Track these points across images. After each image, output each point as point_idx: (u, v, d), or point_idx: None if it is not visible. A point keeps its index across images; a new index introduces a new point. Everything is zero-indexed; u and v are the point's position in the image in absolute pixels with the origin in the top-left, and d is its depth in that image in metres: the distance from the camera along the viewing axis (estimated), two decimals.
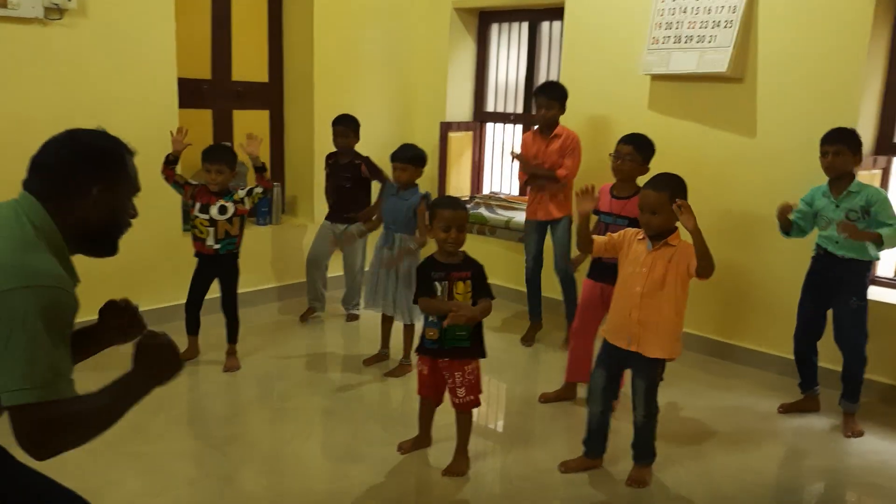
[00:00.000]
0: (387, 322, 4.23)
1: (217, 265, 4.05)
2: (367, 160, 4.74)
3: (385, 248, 4.09)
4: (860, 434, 3.60)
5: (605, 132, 4.80)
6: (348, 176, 4.75)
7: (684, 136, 4.53)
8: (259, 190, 4.03)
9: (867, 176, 4.02)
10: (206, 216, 3.94)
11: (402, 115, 5.96)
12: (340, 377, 4.12)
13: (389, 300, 4.09)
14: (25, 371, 1.38)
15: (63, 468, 2.97)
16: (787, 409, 3.84)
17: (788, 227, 3.67)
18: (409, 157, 4.04)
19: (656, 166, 4.52)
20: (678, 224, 2.88)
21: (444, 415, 3.19)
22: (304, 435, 3.44)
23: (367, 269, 4.62)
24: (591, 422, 3.16)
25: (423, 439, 3.28)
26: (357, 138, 4.77)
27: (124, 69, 4.33)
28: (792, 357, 3.89)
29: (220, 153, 3.97)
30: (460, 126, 5.85)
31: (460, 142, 5.85)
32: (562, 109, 4.43)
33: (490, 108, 6.01)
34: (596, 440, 3.19)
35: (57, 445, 1.46)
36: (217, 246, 3.97)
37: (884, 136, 4.09)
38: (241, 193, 4.01)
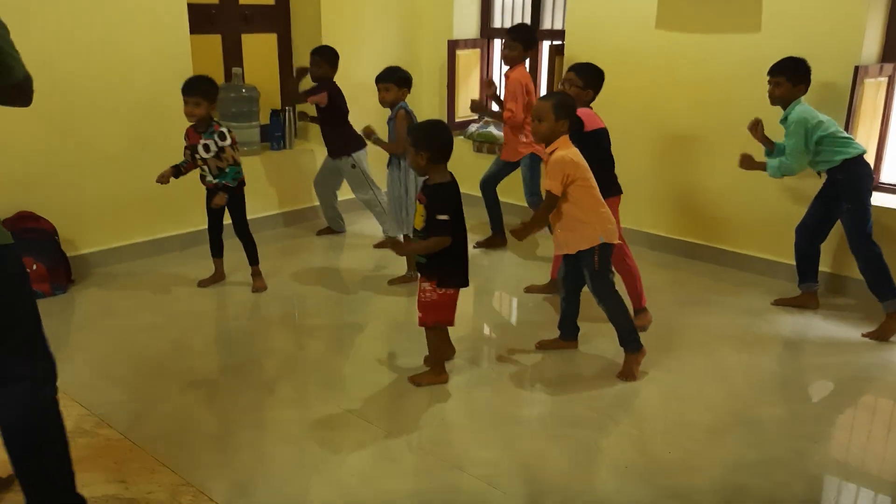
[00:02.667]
0: None
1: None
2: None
3: (388, 169, 4.27)
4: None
5: (616, 49, 4.82)
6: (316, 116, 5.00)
7: (692, 48, 4.56)
8: (225, 155, 3.99)
9: (873, 84, 4.09)
10: (197, 155, 4.01)
11: (409, 35, 5.96)
12: (365, 295, 4.29)
13: (405, 220, 4.23)
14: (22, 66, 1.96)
15: (115, 387, 3.20)
16: (779, 303, 4.11)
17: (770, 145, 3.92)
18: (384, 75, 4.19)
19: (665, 77, 4.60)
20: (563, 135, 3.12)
21: (459, 329, 3.37)
22: (335, 348, 3.65)
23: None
24: (560, 307, 3.51)
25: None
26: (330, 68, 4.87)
27: None
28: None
29: (196, 84, 3.91)
30: (468, 43, 5.85)
31: (468, 59, 5.85)
32: (525, 51, 4.63)
33: (497, 24, 5.99)
34: (565, 324, 3.52)
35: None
36: (216, 181, 4.05)
37: (890, 44, 4.13)
38: (219, 143, 3.96)
